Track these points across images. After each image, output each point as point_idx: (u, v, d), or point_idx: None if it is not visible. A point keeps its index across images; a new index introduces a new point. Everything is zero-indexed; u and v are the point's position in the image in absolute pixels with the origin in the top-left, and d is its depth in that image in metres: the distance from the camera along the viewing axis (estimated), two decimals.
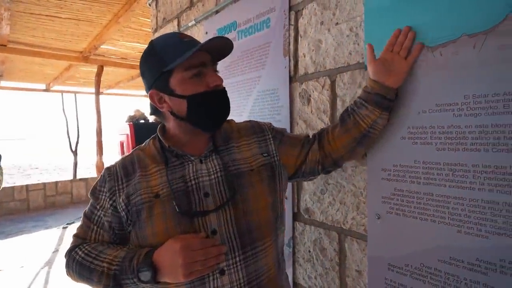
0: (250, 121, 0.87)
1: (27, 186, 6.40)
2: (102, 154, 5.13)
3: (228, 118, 0.79)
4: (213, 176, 0.72)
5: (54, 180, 6.91)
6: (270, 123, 0.87)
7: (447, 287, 0.75)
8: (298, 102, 1.11)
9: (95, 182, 0.79)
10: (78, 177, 7.80)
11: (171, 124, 0.77)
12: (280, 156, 0.80)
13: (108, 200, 0.74)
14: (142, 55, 0.76)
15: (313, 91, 1.05)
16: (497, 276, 0.66)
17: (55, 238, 4.52)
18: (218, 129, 0.78)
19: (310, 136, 0.86)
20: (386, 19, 0.83)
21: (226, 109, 0.75)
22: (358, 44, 0.91)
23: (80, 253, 0.72)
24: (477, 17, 0.67)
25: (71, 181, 7.04)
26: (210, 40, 0.68)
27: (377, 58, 0.78)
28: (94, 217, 0.76)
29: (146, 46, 0.76)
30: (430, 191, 0.77)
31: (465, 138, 0.70)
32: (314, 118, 1.06)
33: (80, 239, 0.76)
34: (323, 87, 1.02)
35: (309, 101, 1.07)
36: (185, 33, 1.91)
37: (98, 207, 0.75)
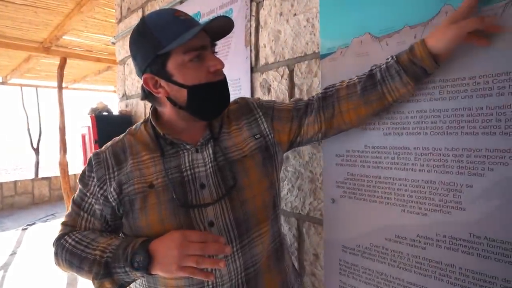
0: (238, 101, 0.81)
1: None
2: (66, 152, 4.85)
3: None
4: (208, 166, 0.69)
5: (12, 179, 6.48)
6: (259, 98, 0.83)
7: (392, 263, 0.80)
8: (259, 91, 1.12)
9: (83, 168, 0.74)
10: (40, 176, 7.37)
11: (166, 109, 0.71)
12: (274, 134, 0.76)
13: (98, 188, 0.69)
14: (132, 34, 0.67)
15: (273, 81, 1.07)
16: (434, 249, 0.72)
17: (13, 240, 4.25)
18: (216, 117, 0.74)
19: (302, 102, 0.79)
20: (339, 11, 0.87)
21: (227, 99, 0.70)
22: (314, 35, 0.94)
23: (70, 241, 0.67)
24: (417, 10, 0.72)
25: (32, 180, 6.64)
26: (212, 20, 0.62)
27: (456, 24, 0.59)
28: (84, 204, 0.71)
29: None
30: (378, 174, 0.81)
31: (408, 122, 0.75)
32: None
33: (69, 227, 0.71)
34: (282, 76, 1.04)
35: (269, 90, 1.09)
36: None
37: (88, 194, 0.71)
